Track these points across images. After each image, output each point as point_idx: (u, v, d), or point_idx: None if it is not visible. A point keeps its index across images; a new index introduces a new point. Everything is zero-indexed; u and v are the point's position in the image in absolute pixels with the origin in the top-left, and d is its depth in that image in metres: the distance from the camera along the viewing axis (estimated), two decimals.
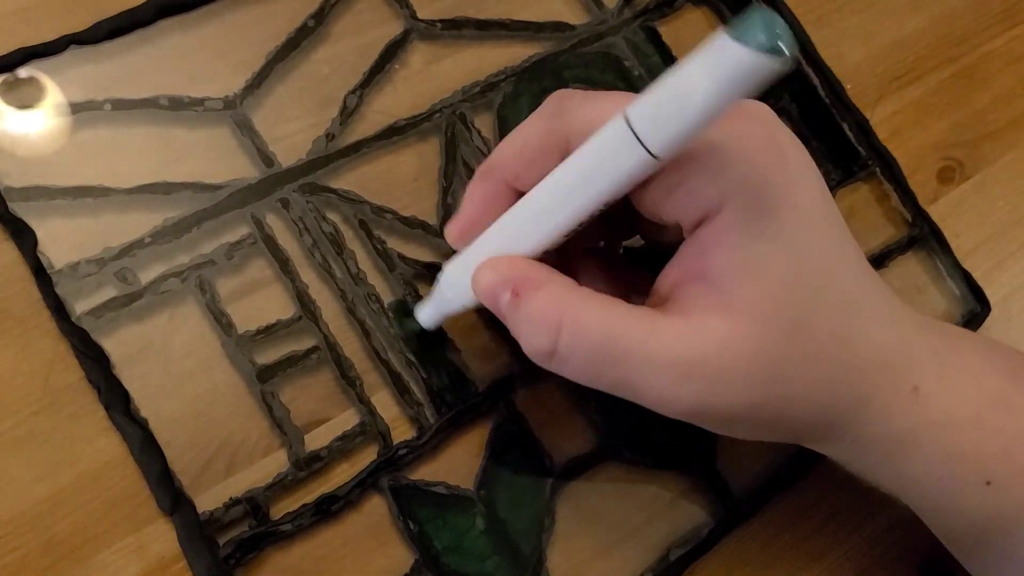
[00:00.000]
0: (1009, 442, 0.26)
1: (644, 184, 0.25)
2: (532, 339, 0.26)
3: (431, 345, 0.31)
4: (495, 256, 0.26)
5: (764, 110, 0.26)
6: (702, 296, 0.25)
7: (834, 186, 0.38)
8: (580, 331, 0.25)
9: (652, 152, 0.23)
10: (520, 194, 0.27)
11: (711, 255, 0.25)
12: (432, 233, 0.33)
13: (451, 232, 0.29)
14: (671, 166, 0.24)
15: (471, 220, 0.28)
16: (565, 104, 0.27)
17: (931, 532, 0.30)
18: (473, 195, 0.28)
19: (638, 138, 0.23)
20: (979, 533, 0.27)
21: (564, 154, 0.26)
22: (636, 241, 0.31)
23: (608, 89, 0.27)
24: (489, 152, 0.34)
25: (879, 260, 0.37)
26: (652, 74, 0.37)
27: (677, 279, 0.26)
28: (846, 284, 0.26)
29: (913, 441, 0.26)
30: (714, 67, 0.21)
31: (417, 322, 0.31)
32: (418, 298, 0.31)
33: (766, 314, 0.24)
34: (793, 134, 0.26)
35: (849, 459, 0.29)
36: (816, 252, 0.25)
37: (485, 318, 0.32)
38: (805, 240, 0.25)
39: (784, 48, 0.20)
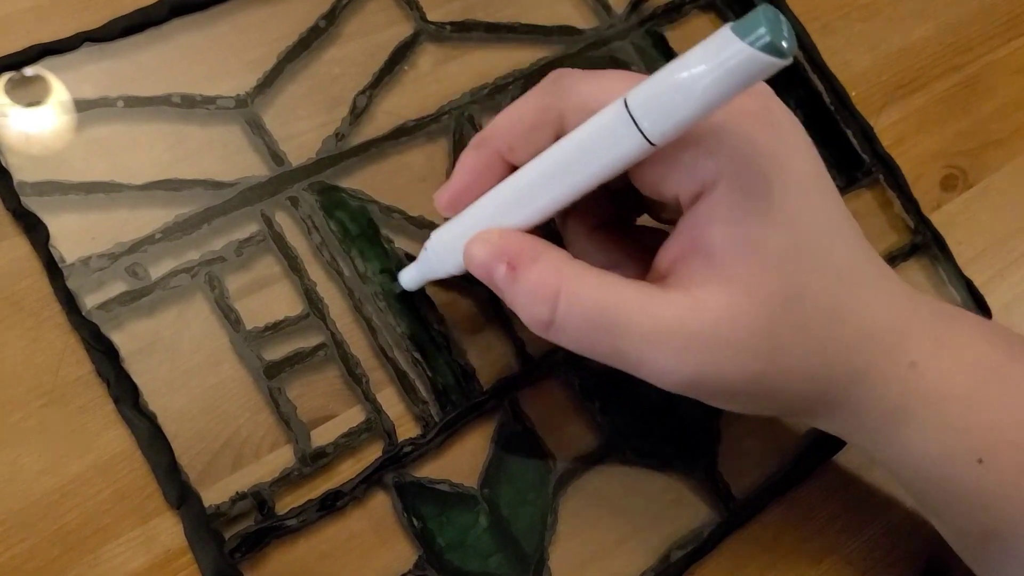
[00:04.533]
0: (1001, 418, 0.26)
1: (641, 160, 0.25)
2: (530, 309, 0.26)
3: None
4: (487, 229, 0.27)
5: (758, 83, 0.26)
6: (700, 271, 0.25)
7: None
8: (577, 301, 0.25)
9: (649, 139, 0.23)
10: (511, 167, 0.27)
11: (708, 230, 0.25)
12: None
13: (440, 199, 0.29)
14: None
15: (461, 189, 0.28)
16: (563, 81, 0.27)
17: (930, 537, 0.30)
18: (465, 164, 0.28)
19: (636, 124, 0.23)
20: (970, 513, 0.27)
21: (558, 131, 0.26)
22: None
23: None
24: None
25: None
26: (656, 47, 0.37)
27: (675, 255, 0.26)
28: (842, 257, 0.26)
29: (908, 414, 0.26)
30: (716, 62, 0.21)
31: (399, 284, 0.32)
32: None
33: (763, 288, 0.24)
34: (786, 107, 0.27)
35: (846, 432, 0.29)
36: (812, 225, 0.25)
37: (489, 316, 0.32)
38: (801, 213, 0.25)
39: (785, 47, 0.21)
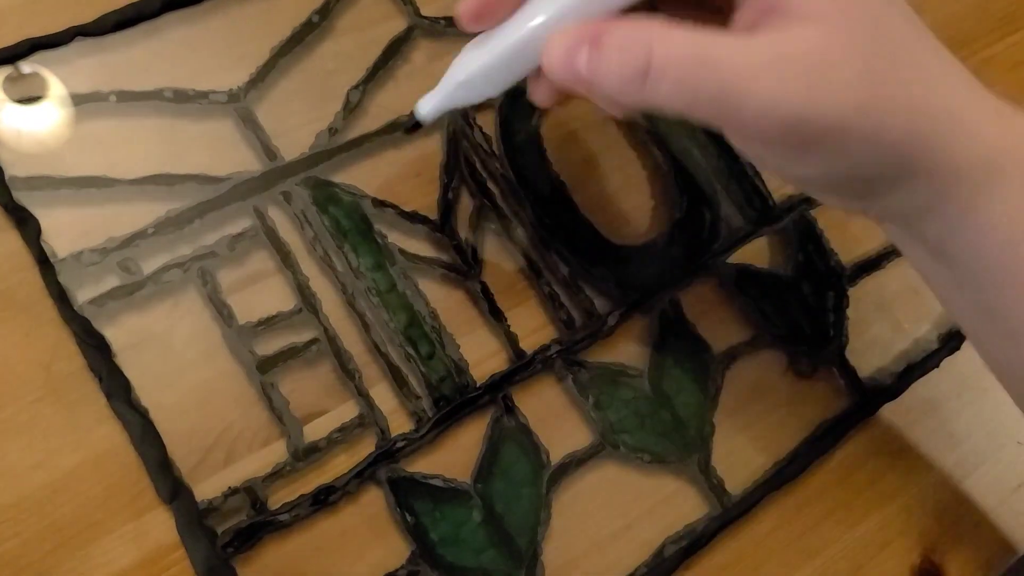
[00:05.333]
0: None
1: None
2: (624, 64, 0.24)
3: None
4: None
5: None
6: (778, 21, 0.24)
7: None
8: (672, 43, 0.24)
9: None
10: None
11: None
12: (433, 228, 0.33)
13: (466, 9, 0.26)
14: None
15: None
16: None
17: (924, 532, 0.30)
18: None
19: None
20: None
21: None
22: None
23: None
24: (491, 150, 0.34)
25: (876, 262, 0.38)
26: None
27: (752, 19, 0.25)
28: (906, 8, 0.26)
29: (1000, 174, 0.25)
30: None
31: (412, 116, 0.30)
32: None
33: (848, 17, 0.24)
34: None
35: (932, 202, 0.26)
36: None
37: (483, 311, 0.32)
38: None
39: None
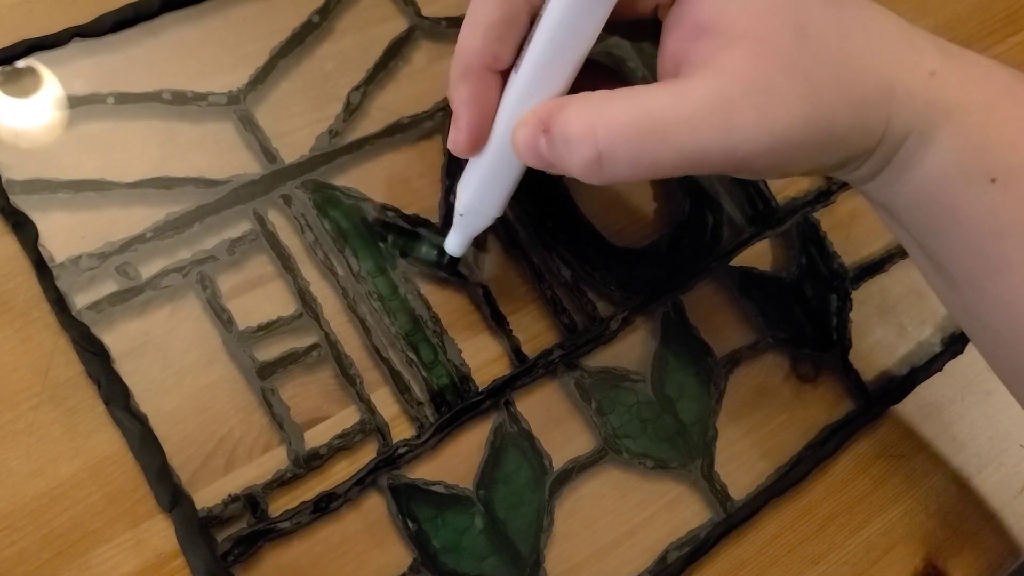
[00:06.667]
0: (1018, 139, 0.26)
1: None
2: (576, 155, 0.25)
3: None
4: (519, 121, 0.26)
5: None
6: (706, 48, 0.25)
7: (835, 191, 0.38)
8: (614, 124, 0.25)
9: None
10: (504, 75, 0.27)
11: (696, 10, 0.25)
12: (434, 231, 0.33)
13: (459, 143, 0.28)
14: None
15: (474, 123, 0.27)
16: None
17: (927, 536, 0.30)
18: (463, 99, 0.27)
19: None
20: (981, 242, 0.27)
21: (530, 8, 0.26)
22: None
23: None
24: None
25: (880, 264, 0.37)
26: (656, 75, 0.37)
27: (675, 51, 0.26)
28: None
29: (932, 129, 0.26)
30: None
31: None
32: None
33: (767, 30, 0.24)
34: None
35: (873, 170, 0.28)
36: None
37: (485, 316, 0.32)
38: None
39: None
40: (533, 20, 0.26)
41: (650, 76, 0.37)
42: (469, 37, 0.27)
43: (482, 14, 0.27)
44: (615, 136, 0.24)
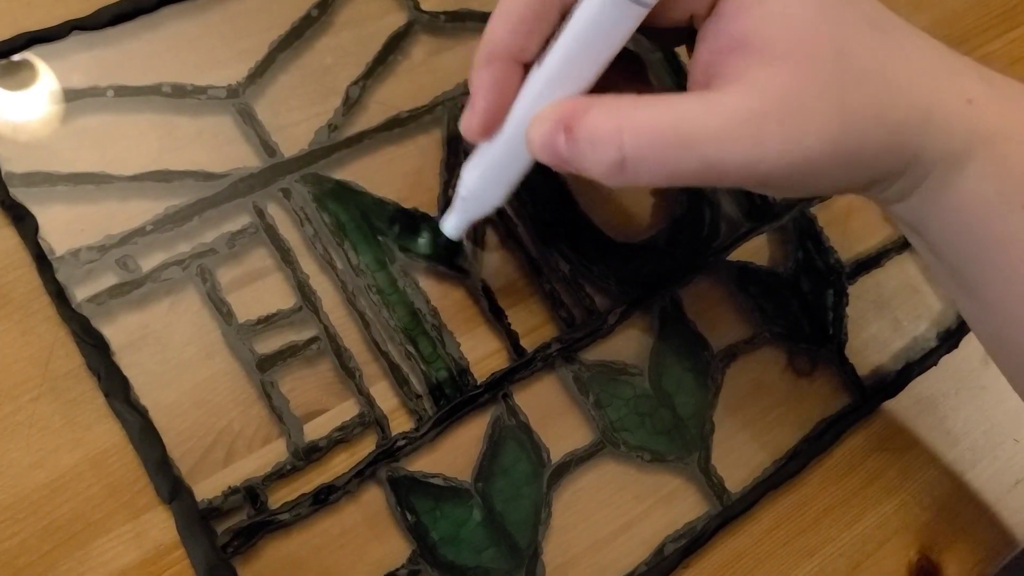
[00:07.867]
0: None
1: None
2: (599, 157, 0.25)
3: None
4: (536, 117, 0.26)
5: None
6: (740, 63, 0.25)
7: None
8: (641, 129, 0.24)
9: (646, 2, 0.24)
10: (526, 68, 0.27)
11: (734, 24, 0.25)
12: (433, 225, 0.33)
13: (472, 127, 0.28)
14: None
15: (490, 109, 0.27)
16: None
17: (922, 529, 0.30)
18: (483, 84, 0.27)
19: None
20: (1010, 267, 0.27)
21: (562, 6, 0.26)
22: None
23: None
24: None
25: (876, 259, 0.38)
26: (667, 62, 0.37)
27: (709, 63, 0.26)
28: (868, 9, 0.26)
29: (969, 155, 0.26)
30: None
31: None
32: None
33: (808, 52, 0.24)
34: None
35: (903, 191, 0.28)
36: None
37: (483, 310, 0.32)
38: None
39: None
40: (563, 16, 0.26)
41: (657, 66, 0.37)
42: (498, 26, 0.27)
43: (513, 6, 0.26)
44: (642, 141, 0.24)
